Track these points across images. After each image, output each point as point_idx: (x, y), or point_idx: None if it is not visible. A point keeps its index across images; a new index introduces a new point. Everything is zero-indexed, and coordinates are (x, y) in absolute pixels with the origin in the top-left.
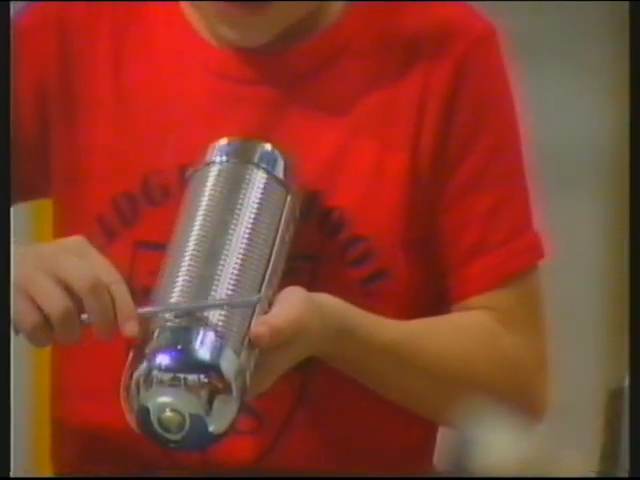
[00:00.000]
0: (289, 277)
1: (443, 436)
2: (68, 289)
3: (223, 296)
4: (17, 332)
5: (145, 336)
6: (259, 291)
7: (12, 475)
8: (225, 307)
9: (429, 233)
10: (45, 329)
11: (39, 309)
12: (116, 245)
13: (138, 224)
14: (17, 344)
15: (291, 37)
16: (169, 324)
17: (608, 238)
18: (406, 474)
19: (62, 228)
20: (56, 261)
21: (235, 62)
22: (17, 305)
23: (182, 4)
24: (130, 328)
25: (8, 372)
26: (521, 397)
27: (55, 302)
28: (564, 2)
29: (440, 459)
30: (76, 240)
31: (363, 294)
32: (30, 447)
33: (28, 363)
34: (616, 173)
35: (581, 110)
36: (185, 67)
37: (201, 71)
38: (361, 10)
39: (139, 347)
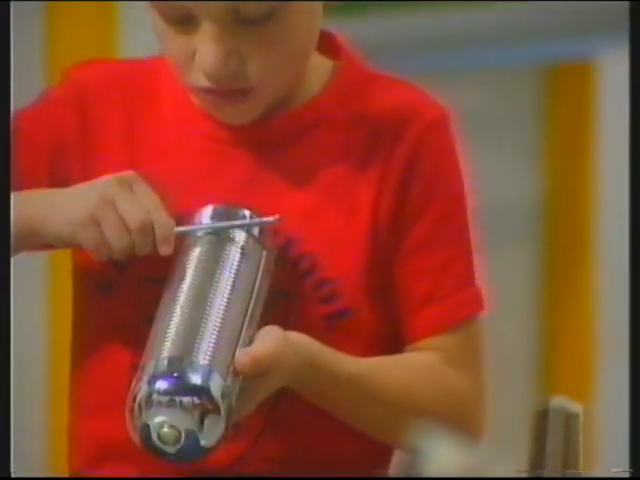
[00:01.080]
0: (268, 309)
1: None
2: (125, 224)
3: (211, 333)
4: (84, 249)
5: (146, 365)
6: (241, 330)
7: (13, 475)
8: (245, 227)
9: (388, 282)
10: (108, 255)
11: (106, 241)
12: (125, 278)
13: (142, 262)
14: (36, 356)
15: (273, 109)
16: (165, 354)
17: (534, 284)
18: None
19: (81, 262)
20: (116, 195)
21: (224, 128)
22: (92, 234)
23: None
24: (165, 249)
25: (8, 372)
26: (463, 423)
27: (118, 238)
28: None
29: (395, 468)
30: (130, 176)
31: (329, 328)
32: (49, 450)
33: (46, 377)
34: (538, 230)
35: (509, 179)
36: (184, 132)
37: (197, 135)
38: (336, 91)
39: (140, 375)
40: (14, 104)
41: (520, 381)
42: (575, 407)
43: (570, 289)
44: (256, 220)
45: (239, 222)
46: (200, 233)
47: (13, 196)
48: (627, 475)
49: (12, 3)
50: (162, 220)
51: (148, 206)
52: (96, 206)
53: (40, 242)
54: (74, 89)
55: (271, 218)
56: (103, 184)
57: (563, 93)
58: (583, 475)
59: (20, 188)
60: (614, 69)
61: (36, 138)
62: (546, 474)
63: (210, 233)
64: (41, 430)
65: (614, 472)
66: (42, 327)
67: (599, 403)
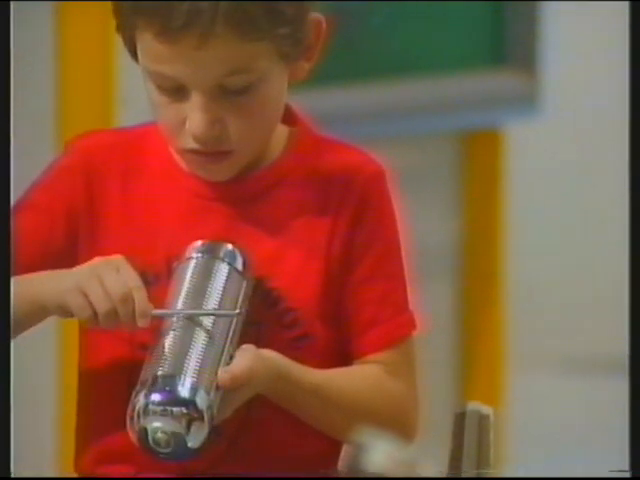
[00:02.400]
0: (243, 337)
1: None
2: (108, 293)
3: (198, 352)
4: (70, 317)
5: (143, 380)
6: (223, 351)
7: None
8: (212, 315)
9: (339, 309)
10: (93, 320)
11: (91, 305)
12: None
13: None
14: (46, 361)
15: (245, 170)
16: (160, 372)
17: (455, 310)
18: (323, 474)
19: None
20: (103, 272)
21: (205, 185)
22: (76, 299)
23: (171, 148)
24: (143, 322)
25: (8, 372)
26: (401, 424)
27: (101, 303)
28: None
29: (342, 461)
30: (117, 259)
31: (292, 349)
32: (58, 451)
33: (57, 379)
34: (457, 266)
35: (434, 226)
36: (171, 189)
37: (182, 192)
38: (293, 154)
39: (139, 389)
40: (25, 104)
41: (443, 389)
42: (486, 410)
43: (483, 314)
44: (220, 311)
45: (208, 311)
46: (191, 264)
47: (16, 280)
48: (627, 475)
49: (21, 3)
50: (142, 297)
51: (131, 284)
52: (84, 278)
53: (46, 315)
54: (79, 159)
55: (232, 312)
56: (93, 263)
57: (477, 155)
58: (494, 475)
59: (41, 252)
60: (519, 136)
61: (53, 207)
62: (464, 466)
63: (199, 264)
64: (51, 434)
65: (614, 472)
66: (53, 355)
67: (506, 407)
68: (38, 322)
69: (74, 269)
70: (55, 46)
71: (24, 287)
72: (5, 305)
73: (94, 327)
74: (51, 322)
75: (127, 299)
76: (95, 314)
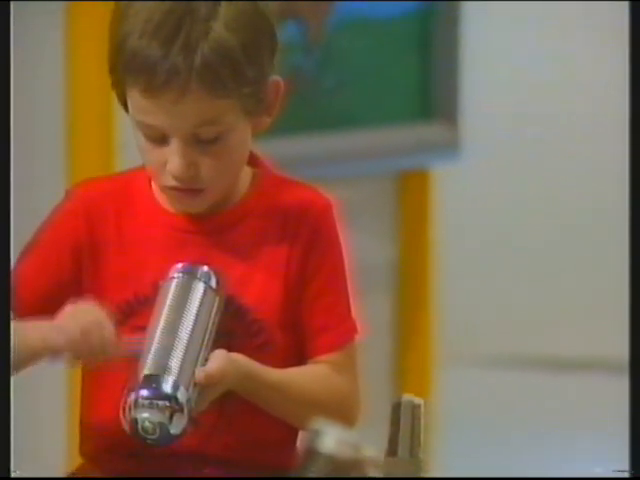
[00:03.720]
0: (216, 343)
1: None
2: (85, 334)
3: (179, 356)
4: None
5: (133, 380)
6: (199, 354)
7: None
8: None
9: (295, 320)
10: (73, 355)
11: (71, 344)
12: (125, 329)
13: (133, 316)
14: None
15: (216, 206)
16: (147, 372)
17: (392, 318)
18: (285, 455)
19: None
20: (78, 317)
21: (183, 221)
22: (51, 341)
23: (154, 190)
24: (113, 356)
25: (8, 372)
26: (344, 412)
27: (78, 344)
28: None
29: (300, 444)
30: (90, 306)
31: (258, 353)
32: (65, 442)
33: (63, 383)
34: (393, 283)
35: (375, 251)
36: (155, 226)
37: (165, 228)
38: (256, 192)
39: (130, 387)
40: (36, 100)
41: (382, 383)
42: (418, 401)
43: (415, 322)
44: (208, 297)
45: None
46: (173, 283)
47: (24, 326)
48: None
49: (30, 3)
50: (109, 330)
51: (99, 319)
52: (83, 328)
53: (48, 354)
54: (80, 205)
55: (218, 295)
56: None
57: (409, 192)
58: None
59: (52, 282)
60: (443, 176)
61: (60, 246)
62: (399, 449)
63: (179, 283)
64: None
65: (615, 472)
66: None
67: (435, 399)
68: (26, 365)
69: (65, 319)
70: (65, 45)
71: (33, 334)
72: (5, 304)
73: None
74: None
75: (97, 335)
76: (74, 357)
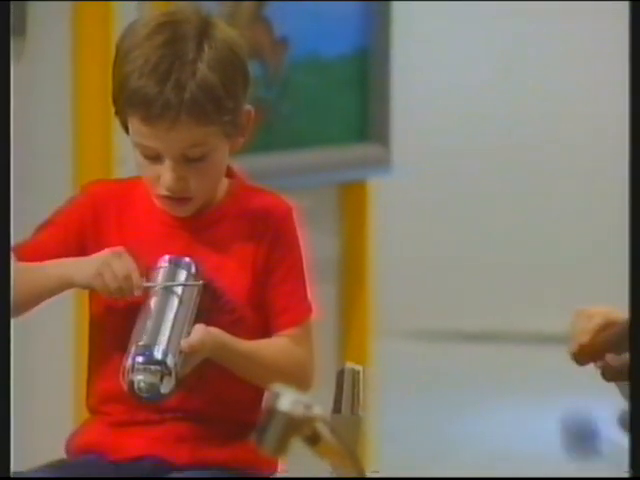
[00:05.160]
0: (197, 319)
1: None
2: (116, 275)
3: (167, 329)
4: (91, 289)
5: (130, 348)
6: (183, 328)
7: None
8: (184, 281)
9: (262, 301)
10: (107, 292)
11: (106, 283)
12: (120, 303)
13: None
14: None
15: (200, 209)
16: (141, 342)
17: (338, 303)
18: (252, 412)
19: (94, 300)
20: (111, 260)
21: (171, 219)
22: (96, 280)
23: (151, 195)
24: (137, 293)
25: (8, 372)
26: (302, 377)
27: (112, 282)
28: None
29: (264, 402)
30: (120, 250)
31: (231, 327)
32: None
33: (64, 383)
34: (336, 273)
35: (323, 247)
36: (149, 221)
37: (156, 224)
38: (231, 198)
39: (128, 354)
40: (43, 98)
41: (330, 354)
42: (358, 368)
43: (356, 305)
44: (190, 282)
45: (180, 283)
46: (161, 271)
47: (48, 262)
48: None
49: (38, 3)
50: (137, 276)
51: (130, 267)
52: (100, 265)
53: (71, 287)
54: (89, 199)
55: (200, 282)
56: (105, 254)
57: (350, 200)
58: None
59: (58, 255)
60: (378, 187)
61: (69, 229)
62: (343, 408)
63: (165, 271)
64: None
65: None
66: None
67: (372, 367)
68: (62, 292)
69: (93, 257)
70: (72, 44)
71: (54, 267)
72: (5, 303)
73: (108, 297)
74: (68, 299)
75: (128, 278)
76: (108, 289)
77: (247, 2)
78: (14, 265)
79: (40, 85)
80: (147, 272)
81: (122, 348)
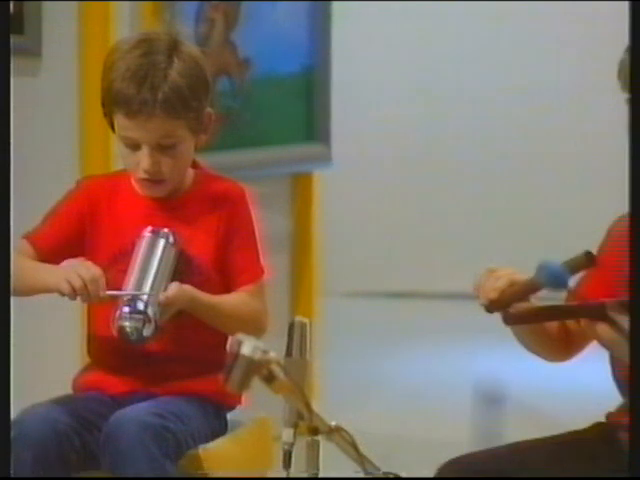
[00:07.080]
0: (172, 278)
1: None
2: (81, 278)
3: (149, 285)
4: (62, 294)
5: (120, 302)
6: (161, 284)
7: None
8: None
9: (224, 265)
10: (73, 296)
11: (73, 289)
12: (112, 271)
13: (118, 264)
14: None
15: (172, 193)
16: (127, 297)
17: (289, 268)
18: (219, 353)
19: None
20: (79, 269)
21: (151, 202)
22: (65, 285)
23: (133, 184)
24: (103, 297)
25: (8, 372)
26: (257, 324)
27: (79, 288)
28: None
29: (228, 347)
30: (86, 262)
31: (200, 285)
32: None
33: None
34: (286, 245)
35: (274, 223)
36: (133, 206)
37: (139, 207)
38: (196, 185)
39: (118, 307)
40: (49, 97)
41: (283, 309)
42: (305, 321)
43: (305, 270)
44: (136, 292)
45: (131, 293)
46: (145, 239)
47: (29, 268)
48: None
49: (44, 3)
50: (103, 281)
51: (96, 272)
52: (69, 271)
53: (47, 291)
54: (85, 192)
55: (142, 292)
56: (75, 263)
57: (299, 187)
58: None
59: (61, 242)
60: (322, 178)
61: (70, 215)
62: (293, 354)
63: (149, 239)
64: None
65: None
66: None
67: (318, 319)
68: (43, 293)
69: (63, 264)
70: (78, 44)
71: (35, 274)
72: (5, 303)
73: (74, 299)
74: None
75: (94, 281)
76: (75, 293)
77: (217, 28)
78: (15, 261)
79: (48, 96)
80: (132, 245)
81: (110, 314)
